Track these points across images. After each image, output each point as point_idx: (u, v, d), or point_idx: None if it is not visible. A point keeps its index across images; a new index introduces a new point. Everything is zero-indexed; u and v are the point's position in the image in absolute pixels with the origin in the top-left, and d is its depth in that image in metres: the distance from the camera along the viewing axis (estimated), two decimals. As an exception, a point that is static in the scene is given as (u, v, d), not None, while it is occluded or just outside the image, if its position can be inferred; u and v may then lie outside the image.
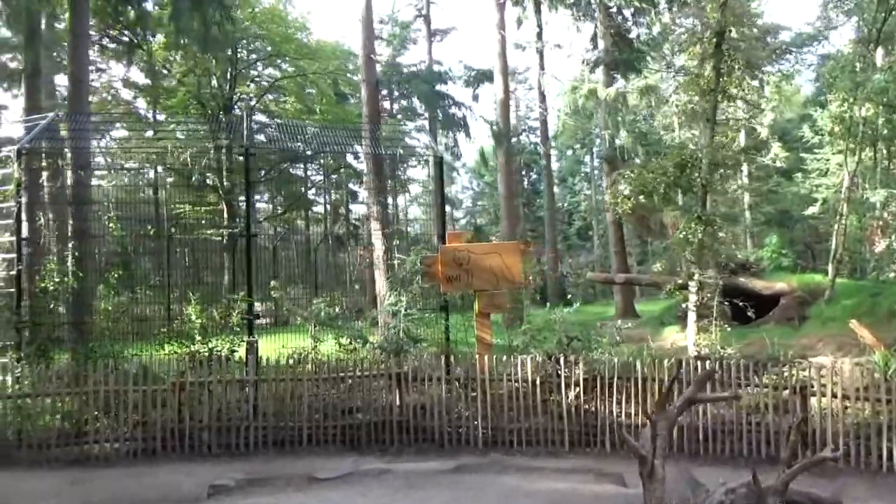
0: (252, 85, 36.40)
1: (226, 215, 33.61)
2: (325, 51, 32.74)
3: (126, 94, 38.02)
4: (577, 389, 8.63)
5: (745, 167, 30.99)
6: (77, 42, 12.84)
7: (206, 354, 8.50)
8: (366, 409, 8.59)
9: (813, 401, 8.29)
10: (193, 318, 8.76)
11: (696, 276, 9.76)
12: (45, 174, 11.68)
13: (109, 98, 37.24)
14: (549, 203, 33.15)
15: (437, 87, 21.99)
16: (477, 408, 8.58)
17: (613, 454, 8.42)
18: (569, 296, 32.25)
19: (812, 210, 30.09)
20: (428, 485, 6.04)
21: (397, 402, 8.62)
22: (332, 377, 8.60)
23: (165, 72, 33.24)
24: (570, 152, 55.81)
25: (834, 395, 8.09)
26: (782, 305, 19.00)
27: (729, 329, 10.86)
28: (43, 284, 8.92)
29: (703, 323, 11.16)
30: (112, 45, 36.54)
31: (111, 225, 9.48)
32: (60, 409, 7.98)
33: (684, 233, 9.77)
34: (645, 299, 33.80)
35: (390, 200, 55.04)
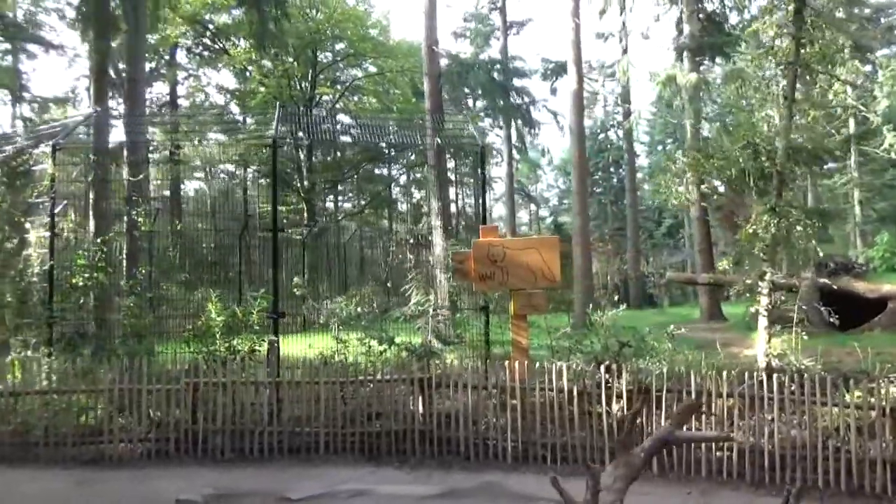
0: (335, 86, 36.78)
1: (305, 214, 34.27)
2: (401, 48, 32.54)
3: (218, 98, 39.55)
4: (622, 402, 7.67)
5: (852, 159, 28.15)
6: (132, 43, 13.00)
7: (224, 354, 8.15)
8: (386, 417, 7.97)
9: (908, 425, 6.98)
10: (214, 315, 8.45)
11: (767, 277, 8.50)
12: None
13: (204, 102, 38.86)
14: (631, 199, 31.48)
15: (497, 78, 21.12)
16: (507, 419, 7.78)
17: (661, 477, 7.41)
18: (653, 297, 30.68)
19: (933, 206, 27.00)
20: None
21: (420, 410, 7.95)
22: (350, 381, 8.05)
23: (248, 75, 34.14)
24: (660, 148, 53.29)
25: (933, 420, 6.75)
26: (890, 310, 16.98)
27: (808, 337, 9.46)
28: (74, 280, 8.89)
29: (779, 329, 9.87)
30: (204, 53, 38.15)
31: (141, 219, 9.37)
32: (76, 406, 7.84)
33: (754, 227, 8.54)
34: (739, 301, 31.48)
35: (470, 199, 54.57)
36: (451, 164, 55.82)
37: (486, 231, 8.82)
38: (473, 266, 8.58)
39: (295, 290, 9.05)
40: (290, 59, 33.21)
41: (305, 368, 8.09)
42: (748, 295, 8.90)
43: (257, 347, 8.56)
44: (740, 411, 7.46)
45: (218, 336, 8.43)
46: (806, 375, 7.39)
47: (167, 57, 37.92)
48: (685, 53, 23.31)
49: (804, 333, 9.40)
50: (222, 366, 7.89)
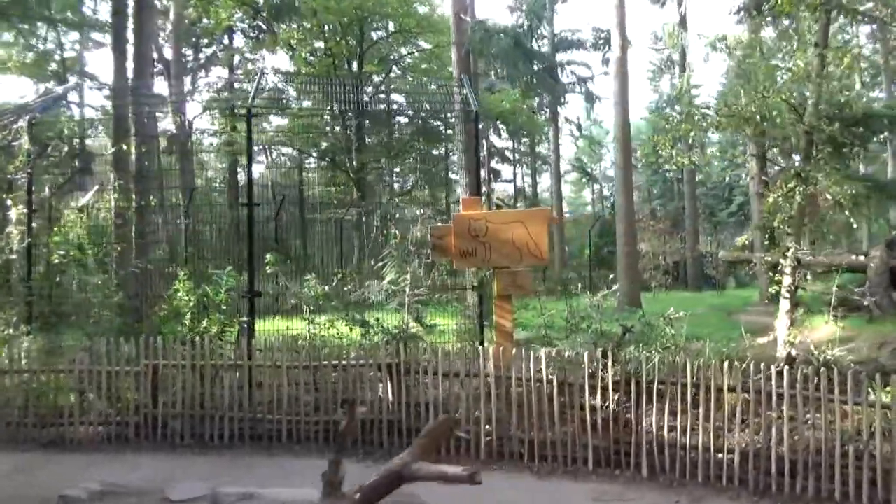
0: (384, 64, 36.27)
1: (355, 194, 34.03)
2: (447, 23, 31.62)
3: (273, 79, 39.66)
4: (614, 395, 6.79)
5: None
6: (141, 18, 12.78)
7: (186, 335, 7.73)
8: (348, 405, 7.36)
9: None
10: (182, 294, 8.05)
11: (790, 252, 7.35)
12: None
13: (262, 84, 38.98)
14: (689, 175, 29.59)
15: (543, 49, 19.89)
16: (481, 410, 7.04)
17: (651, 480, 6.52)
18: (712, 279, 28.81)
19: None
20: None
21: (390, 398, 7.31)
22: (314, 365, 7.48)
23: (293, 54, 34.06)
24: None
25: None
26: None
27: (871, 322, 8.27)
28: (51, 258, 8.69)
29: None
30: (259, 36, 38.36)
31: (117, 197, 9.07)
32: (38, 387, 7.60)
33: (776, 195, 7.39)
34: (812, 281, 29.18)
35: (528, 178, 53.26)
36: (508, 143, 54.77)
37: (468, 203, 8.04)
38: (454, 242, 7.83)
39: (267, 267, 8.57)
40: (337, 38, 32.99)
41: (267, 351, 7.56)
42: (770, 274, 7.76)
43: (228, 329, 8.12)
44: (745, 407, 6.47)
45: (187, 317, 8.03)
46: (823, 369, 6.30)
47: (225, 41, 38.48)
48: (743, 14, 21.49)
49: (867, 318, 8.22)
50: (182, 346, 7.47)
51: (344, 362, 7.46)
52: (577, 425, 6.78)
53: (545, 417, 6.89)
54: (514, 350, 7.25)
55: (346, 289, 8.40)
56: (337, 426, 7.32)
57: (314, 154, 37.55)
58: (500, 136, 54.49)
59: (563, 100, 17.78)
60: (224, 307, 7.97)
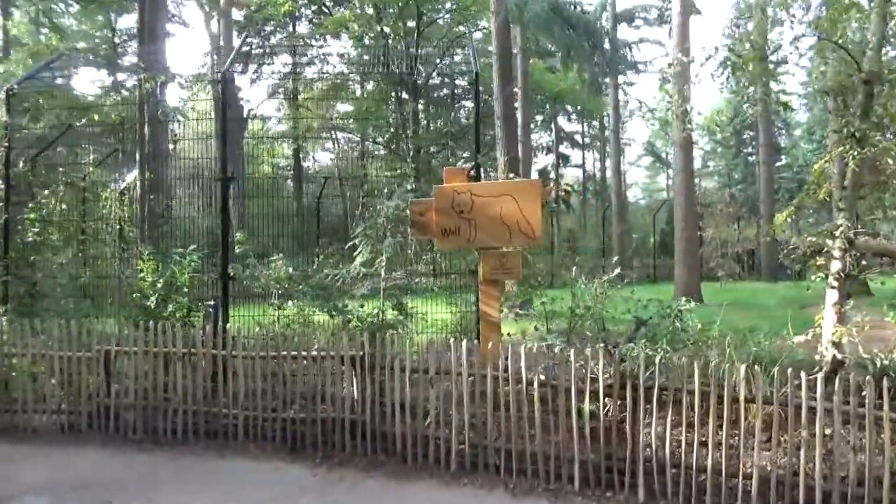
0: (443, 44, 35.45)
1: (412, 180, 33.31)
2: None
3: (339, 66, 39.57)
4: (608, 401, 5.65)
5: None
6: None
7: (142, 319, 7.06)
8: (309, 402, 6.53)
9: None
10: (145, 275, 7.41)
11: (839, 231, 5.93)
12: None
13: (323, 69, 39.05)
14: (766, 156, 27.25)
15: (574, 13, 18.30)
16: (452, 413, 6.04)
17: (649, 505, 5.36)
18: (786, 268, 26.37)
19: None
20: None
21: (354, 396, 6.41)
22: (272, 357, 6.66)
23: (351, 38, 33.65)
24: (817, 100, 46.71)
25: None
26: None
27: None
28: (28, 237, 8.27)
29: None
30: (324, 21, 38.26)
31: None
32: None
33: (823, 161, 5.99)
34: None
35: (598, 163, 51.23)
36: (577, 127, 52.80)
37: (452, 175, 6.99)
38: (435, 218, 6.83)
39: (237, 247, 7.82)
40: (394, 20, 32.47)
41: (220, 339, 6.80)
42: (818, 259, 6.34)
43: (194, 313, 7.43)
44: (768, 422, 5.21)
45: (151, 300, 7.39)
46: (870, 377, 4.95)
47: (290, 28, 38.74)
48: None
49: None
50: (135, 331, 6.82)
51: (304, 353, 6.62)
52: (563, 435, 5.68)
53: (526, 425, 5.83)
54: (495, 344, 6.19)
55: (324, 272, 7.54)
56: (296, 424, 6.54)
57: (377, 139, 37.34)
58: (568, 119, 52.60)
59: (612, 72, 16.26)
60: (186, 290, 7.27)
